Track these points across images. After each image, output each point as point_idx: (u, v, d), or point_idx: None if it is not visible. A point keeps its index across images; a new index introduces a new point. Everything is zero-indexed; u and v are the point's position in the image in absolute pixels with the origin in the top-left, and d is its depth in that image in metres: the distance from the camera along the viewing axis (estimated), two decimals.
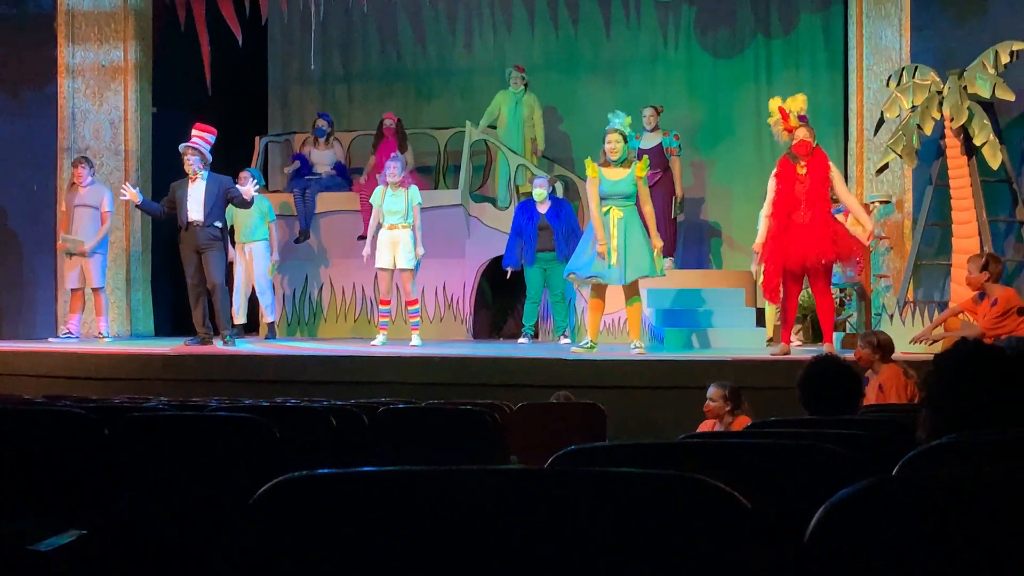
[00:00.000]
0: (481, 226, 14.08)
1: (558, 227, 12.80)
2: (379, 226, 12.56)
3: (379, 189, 12.62)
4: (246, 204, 12.39)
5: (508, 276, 13.29)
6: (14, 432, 4.54)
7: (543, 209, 12.95)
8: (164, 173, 13.61)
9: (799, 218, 10.31)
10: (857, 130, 12.76)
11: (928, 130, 11.25)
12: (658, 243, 10.99)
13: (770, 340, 12.08)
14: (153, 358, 11.53)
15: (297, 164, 14.99)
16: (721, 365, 10.05)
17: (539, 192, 12.98)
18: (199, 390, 9.82)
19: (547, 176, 13.54)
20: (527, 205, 13.11)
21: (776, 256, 10.37)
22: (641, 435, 8.74)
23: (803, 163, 10.39)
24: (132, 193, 12.24)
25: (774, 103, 11.44)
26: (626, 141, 10.99)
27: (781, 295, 10.56)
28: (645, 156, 12.03)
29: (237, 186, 12.25)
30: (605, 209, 10.78)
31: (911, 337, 10.01)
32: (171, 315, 14.95)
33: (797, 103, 11.03)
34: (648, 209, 10.97)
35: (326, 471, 2.03)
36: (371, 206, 13.00)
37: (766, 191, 10.68)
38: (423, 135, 15.43)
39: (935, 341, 9.74)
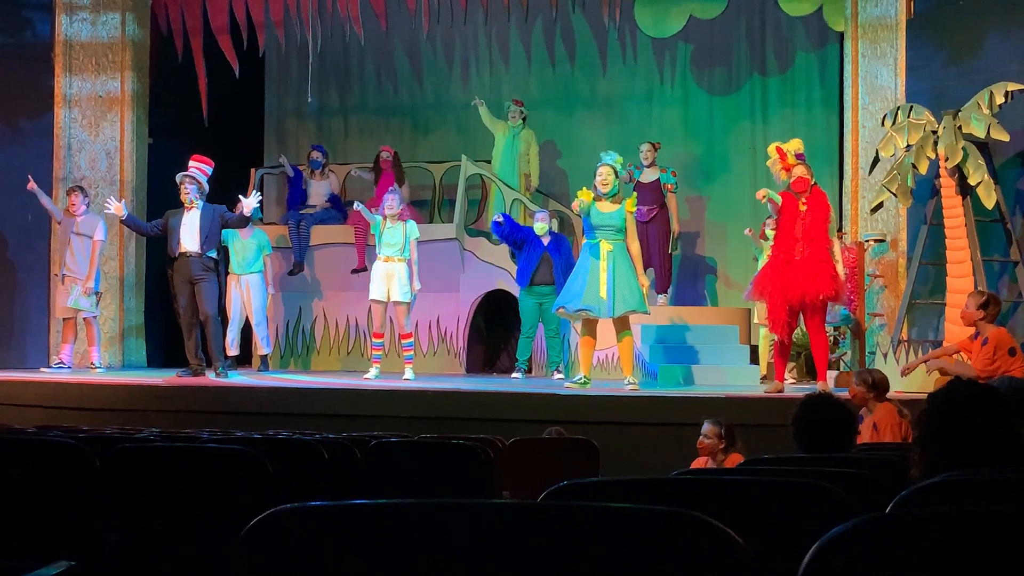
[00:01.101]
0: (476, 260, 14.07)
1: (558, 260, 12.75)
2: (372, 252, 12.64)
3: (378, 220, 12.61)
4: (245, 222, 12.37)
5: (499, 221, 13.11)
6: (4, 462, 4.52)
7: (545, 243, 12.91)
8: (160, 203, 13.62)
9: (798, 253, 10.36)
10: (852, 169, 12.79)
11: (923, 169, 11.26)
12: (644, 281, 11.00)
13: (764, 377, 12.08)
14: (145, 389, 11.50)
15: (291, 172, 14.99)
16: (714, 402, 10.04)
17: (540, 226, 12.92)
18: (191, 422, 9.78)
19: (547, 211, 13.53)
20: (533, 235, 13.01)
21: (779, 291, 10.40)
22: (634, 471, 8.71)
23: (803, 200, 10.45)
24: (117, 206, 12.23)
25: (772, 146, 11.46)
26: (617, 176, 11.03)
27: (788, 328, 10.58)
28: (634, 193, 12.05)
29: (240, 202, 12.23)
30: (595, 241, 10.80)
31: (903, 368, 10.04)
32: (164, 346, 14.93)
33: (794, 145, 11.07)
34: (635, 247, 10.99)
35: (317, 503, 2.03)
36: (365, 239, 13.05)
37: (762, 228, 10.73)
38: (419, 169, 15.46)
39: (931, 370, 9.78)
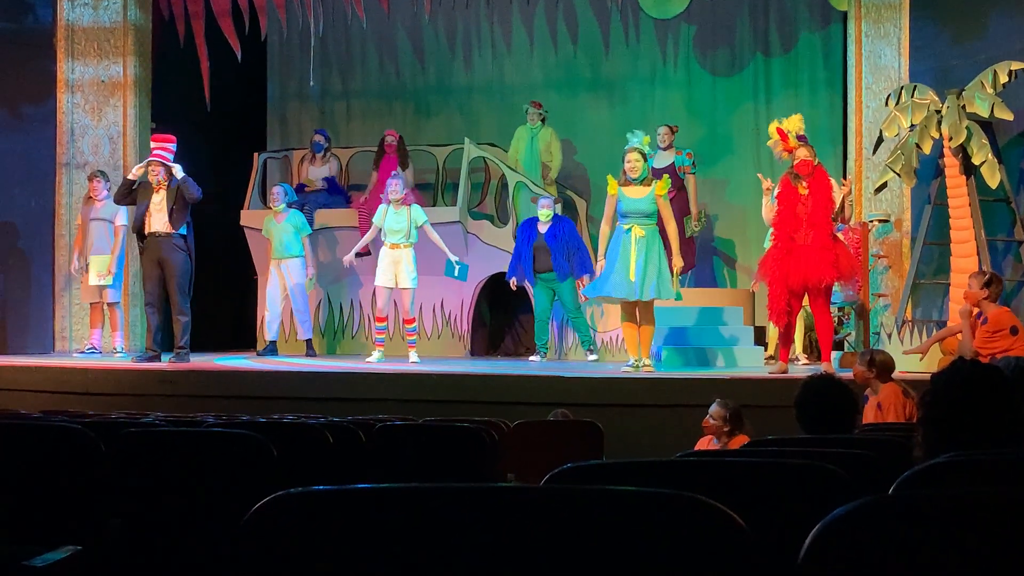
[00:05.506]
0: (479, 243, 14.06)
1: (556, 246, 12.71)
2: (377, 238, 12.63)
3: (382, 207, 12.59)
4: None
5: (513, 289, 13.21)
6: (10, 447, 4.53)
7: (543, 229, 12.88)
8: None
9: (801, 239, 10.26)
10: (856, 149, 12.78)
11: (927, 149, 11.25)
12: (678, 263, 10.81)
13: (769, 358, 12.06)
14: (149, 374, 11.51)
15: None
16: (719, 383, 10.03)
17: (544, 212, 12.88)
18: (195, 406, 9.79)
19: (552, 196, 13.48)
20: (528, 224, 13.03)
21: (779, 278, 10.34)
22: (638, 453, 8.71)
23: (805, 184, 10.35)
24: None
25: (772, 126, 11.40)
26: (645, 160, 10.91)
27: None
28: (666, 175, 11.79)
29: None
30: (627, 227, 10.71)
31: (907, 351, 10.06)
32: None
33: (794, 123, 11.01)
34: (671, 228, 10.87)
35: (321, 487, 2.03)
36: (371, 223, 13.04)
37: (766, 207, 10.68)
38: (422, 152, 15.43)
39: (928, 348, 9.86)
